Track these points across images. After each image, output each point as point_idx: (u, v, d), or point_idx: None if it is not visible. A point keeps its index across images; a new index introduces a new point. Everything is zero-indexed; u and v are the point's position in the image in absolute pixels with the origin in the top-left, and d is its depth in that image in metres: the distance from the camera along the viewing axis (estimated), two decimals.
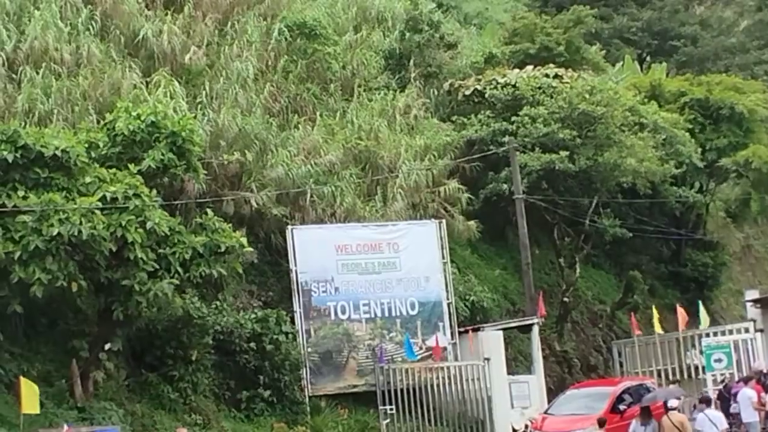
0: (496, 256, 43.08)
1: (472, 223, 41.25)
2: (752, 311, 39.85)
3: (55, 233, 27.01)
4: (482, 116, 42.73)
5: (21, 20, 35.50)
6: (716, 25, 62.21)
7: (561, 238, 44.33)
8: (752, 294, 41.24)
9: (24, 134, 28.81)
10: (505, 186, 41.20)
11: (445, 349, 36.98)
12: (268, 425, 32.46)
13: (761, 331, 38.23)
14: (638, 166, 42.03)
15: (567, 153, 40.56)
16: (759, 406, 27.51)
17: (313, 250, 36.18)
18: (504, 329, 38.59)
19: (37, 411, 27.49)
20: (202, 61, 38.71)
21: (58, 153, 28.78)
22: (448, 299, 37.81)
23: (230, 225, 31.78)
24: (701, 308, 41.98)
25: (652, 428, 24.96)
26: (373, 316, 36.71)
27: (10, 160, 27.97)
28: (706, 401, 28.11)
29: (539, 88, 43.06)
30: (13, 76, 33.92)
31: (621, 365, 41.45)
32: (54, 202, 27.62)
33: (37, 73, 33.92)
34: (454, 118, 43.38)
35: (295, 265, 35.74)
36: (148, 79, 36.25)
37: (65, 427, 26.93)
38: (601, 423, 26.83)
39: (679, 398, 30.40)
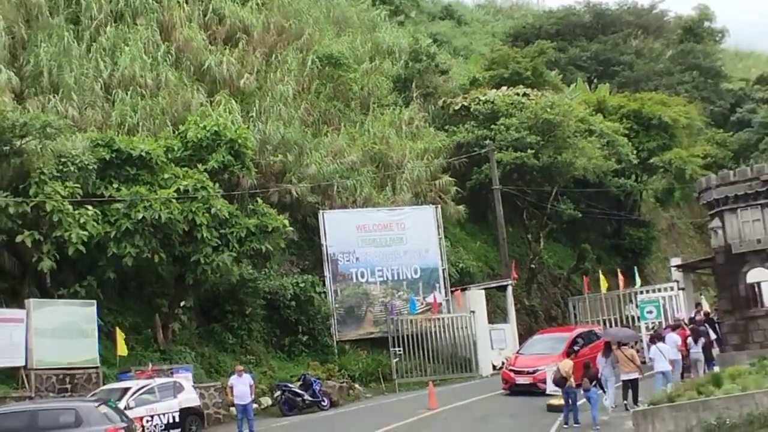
0: (479, 233, 43.03)
1: (460, 207, 41.19)
2: (676, 274, 39.82)
3: (140, 217, 27.20)
4: (468, 125, 42.58)
5: (114, 54, 35.43)
6: (648, 54, 61.97)
7: (529, 219, 44.35)
8: (676, 261, 41.16)
9: (117, 140, 29.35)
10: (485, 179, 41.09)
11: (440, 304, 37.01)
12: (305, 363, 32.53)
13: (682, 289, 38.20)
14: (587, 163, 42.04)
15: (533, 152, 40.52)
16: (682, 348, 27.35)
17: (339, 229, 36.25)
18: (485, 289, 38.63)
19: (126, 353, 27.53)
20: (253, 85, 38.66)
21: (143, 155, 29.25)
22: (442, 266, 37.82)
23: (275, 210, 31.99)
24: (636, 272, 42.21)
25: (611, 360, 24.93)
26: (385, 279, 36.72)
27: (107, 160, 28.47)
28: (658, 337, 27.93)
29: (512, 103, 42.91)
30: (109, 96, 34.00)
31: (575, 316, 41.42)
32: (140, 193, 27.81)
33: (127, 94, 33.97)
34: (446, 127, 43.36)
35: (326, 241, 35.87)
36: (211, 99, 36.38)
37: (150, 365, 26.97)
38: (568, 355, 26.91)
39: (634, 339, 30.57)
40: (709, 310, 36.35)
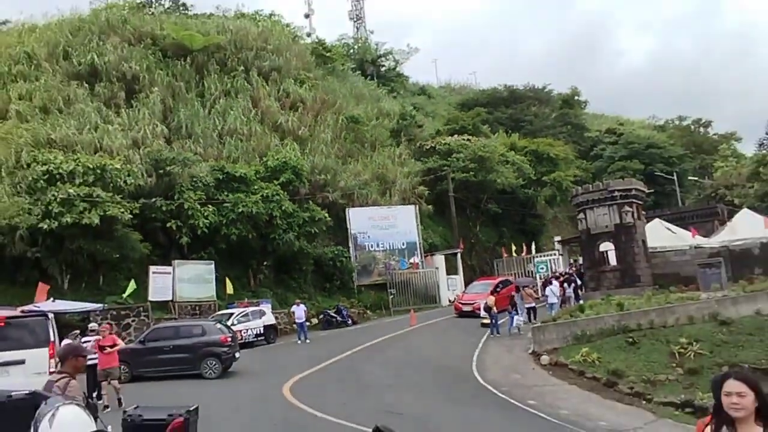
0: (441, 222, 42.86)
1: (429, 206, 41.09)
2: (557, 246, 40.03)
3: (240, 211, 27.49)
4: (434, 158, 42.45)
5: (225, 114, 35.51)
6: (541, 116, 61.73)
7: (470, 213, 44.16)
8: (557, 238, 41.36)
9: (227, 167, 29.64)
10: (444, 189, 41.10)
11: (418, 264, 37.11)
12: (337, 298, 32.62)
13: (562, 255, 38.40)
14: (505, 180, 42.05)
15: (472, 174, 40.48)
16: (561, 289, 27.39)
17: (358, 219, 36.32)
18: (444, 254, 38.64)
19: (231, 292, 27.69)
20: (306, 134, 38.57)
21: (242, 175, 29.59)
22: (419, 241, 37.75)
23: (319, 208, 32.27)
24: (534, 245, 42.09)
25: (520, 295, 25.23)
26: (385, 249, 36.72)
27: (220, 178, 28.86)
28: (547, 282, 28.13)
29: (460, 144, 42.78)
30: (221, 140, 34.08)
31: (497, 271, 41.22)
32: (239, 198, 27.92)
33: (231, 139, 34.16)
34: (421, 158, 43.19)
35: (350, 226, 35.93)
36: (282, 142, 36.42)
37: (246, 300, 27.21)
38: (493, 293, 27.10)
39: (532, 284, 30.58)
40: (576, 267, 36.56)
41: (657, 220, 35.24)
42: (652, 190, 42.43)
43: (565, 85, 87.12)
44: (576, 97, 68.68)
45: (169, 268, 26.26)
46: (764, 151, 45.69)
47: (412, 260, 37.11)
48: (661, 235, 32.45)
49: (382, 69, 66.74)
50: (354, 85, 52.31)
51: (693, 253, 30.12)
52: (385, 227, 36.93)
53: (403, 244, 37.19)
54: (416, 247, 37.60)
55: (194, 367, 17.31)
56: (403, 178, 40.61)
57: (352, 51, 66.40)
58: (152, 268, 25.68)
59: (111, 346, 14.07)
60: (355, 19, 76.36)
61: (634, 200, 29.69)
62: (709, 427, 3.56)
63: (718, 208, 40.55)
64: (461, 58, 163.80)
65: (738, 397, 3.50)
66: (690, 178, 55.75)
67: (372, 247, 36.59)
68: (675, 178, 51.92)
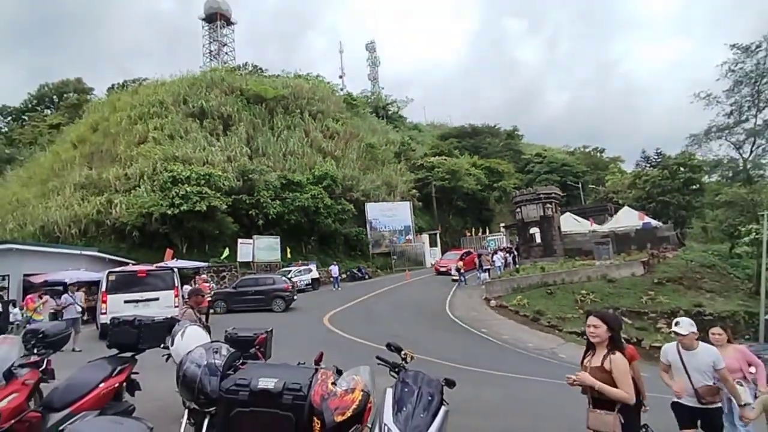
0: (427, 213, 42.45)
1: (419, 203, 40.68)
2: (503, 230, 39.55)
3: (297, 204, 27.07)
4: (423, 171, 42.08)
5: (287, 141, 35.25)
6: (493, 144, 60.38)
7: (446, 207, 43.62)
8: (503, 224, 40.84)
9: (288, 175, 29.04)
10: (430, 191, 40.72)
11: (411, 240, 36.79)
12: (360, 262, 32.32)
13: (505, 235, 37.93)
14: (469, 186, 41.80)
15: (447, 182, 40.12)
16: (504, 256, 26.94)
17: (373, 210, 35.77)
18: (428, 234, 38.27)
19: (289, 257, 27.42)
20: (340, 154, 38.02)
21: (297, 181, 28.87)
22: (412, 225, 37.22)
23: (348, 202, 31.85)
24: (487, 229, 41.65)
25: (482, 261, 24.15)
26: (390, 230, 36.22)
27: (284, 183, 28.31)
28: (496, 252, 27.42)
29: (440, 162, 42.46)
30: (285, 158, 33.54)
31: (463, 245, 40.59)
32: (296, 196, 27.52)
33: (291, 157, 33.76)
34: (414, 171, 42.76)
35: (368, 215, 35.39)
36: (324, 159, 35.79)
37: (299, 262, 27.03)
38: (461, 260, 26.81)
39: (487, 253, 30.17)
40: (514, 244, 36.09)
41: (568, 213, 34.71)
42: (565, 194, 41.67)
43: (509, 124, 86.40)
44: (516, 132, 67.65)
45: (250, 240, 26.18)
46: (639, 169, 44.81)
47: (407, 237, 36.92)
48: (570, 223, 32.14)
49: (389, 112, 66.33)
50: (371, 123, 51.79)
51: (590, 235, 29.84)
52: (390, 216, 36.48)
53: (402, 227, 36.75)
54: (410, 229, 37.24)
55: (268, 304, 17.28)
56: (402, 184, 40.15)
57: (369, 100, 66.46)
58: (239, 240, 25.66)
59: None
60: (372, 80, 77.27)
61: (553, 200, 29.27)
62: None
63: (608, 206, 39.88)
64: (441, 105, 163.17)
65: (593, 328, 3.48)
66: (590, 186, 54.95)
67: (381, 228, 36.16)
68: (580, 186, 51.41)
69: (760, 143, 29.37)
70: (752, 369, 4.81)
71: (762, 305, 17.91)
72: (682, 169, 30.71)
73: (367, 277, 29.33)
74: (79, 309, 11.48)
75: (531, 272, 21.75)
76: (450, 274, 26.21)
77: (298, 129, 37.65)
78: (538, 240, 30.26)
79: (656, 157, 47.21)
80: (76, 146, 32.79)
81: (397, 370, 3.43)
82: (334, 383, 3.15)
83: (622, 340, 3.61)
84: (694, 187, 30.30)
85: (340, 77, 74.04)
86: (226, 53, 66.52)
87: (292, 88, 41.94)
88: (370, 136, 45.28)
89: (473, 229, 41.31)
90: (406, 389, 3.11)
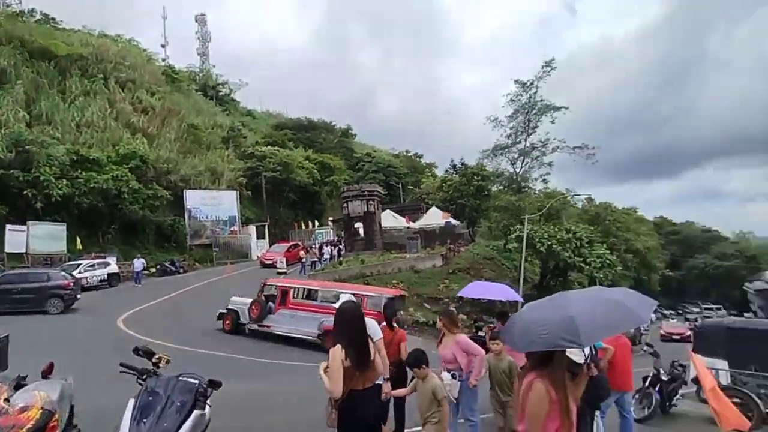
0: (256, 204, 40.49)
1: (248, 192, 38.67)
2: (331, 223, 40.40)
3: (91, 186, 23.08)
4: (254, 160, 39.74)
5: (84, 110, 29.48)
6: (328, 140, 61.26)
7: (276, 199, 42.18)
8: (331, 218, 41.54)
9: (82, 150, 24.50)
10: (260, 181, 38.99)
11: (236, 231, 34.92)
12: (174, 254, 29.35)
13: (332, 229, 38.75)
14: (301, 179, 41.24)
15: (279, 173, 38.84)
16: (330, 252, 27.71)
17: (193, 197, 32.67)
18: (256, 226, 36.53)
19: (82, 248, 23.38)
20: (154, 132, 33.62)
21: (94, 158, 24.66)
22: (238, 216, 35.32)
23: (163, 188, 28.60)
24: (317, 222, 41.85)
25: (310, 254, 24.81)
26: (213, 220, 33.63)
27: (75, 159, 23.86)
28: (324, 245, 28.38)
29: (272, 153, 40.76)
30: (79, 130, 28.19)
31: (293, 238, 38.15)
32: (92, 176, 23.50)
33: (88, 129, 28.54)
34: (245, 160, 39.84)
35: (186, 203, 32.16)
36: (133, 136, 31.24)
37: (93, 254, 23.25)
38: (288, 252, 26.36)
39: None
40: (340, 237, 37.47)
41: (388, 210, 37.13)
42: (387, 193, 44.65)
43: (345, 122, 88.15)
44: (350, 131, 70.23)
45: (23, 227, 21.20)
46: (446, 175, 50.91)
47: (232, 228, 34.87)
48: (389, 220, 34.93)
49: (220, 93, 60.89)
50: (196, 101, 46.79)
51: (405, 231, 33.19)
52: (214, 205, 33.92)
53: (227, 217, 34.62)
54: (236, 220, 35.30)
55: (40, 305, 14.31)
56: (229, 172, 37.62)
57: (197, 77, 60.21)
58: (8, 227, 20.68)
59: None
60: (201, 55, 70.27)
61: (375, 197, 31.24)
62: None
63: (421, 206, 44.37)
64: (279, 96, 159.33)
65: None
66: (409, 186, 60.51)
67: (203, 218, 33.33)
68: (400, 186, 56.01)
69: (527, 161, 38.13)
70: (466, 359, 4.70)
71: (521, 289, 22.78)
72: (476, 177, 36.78)
73: (181, 270, 26.75)
74: None
75: (352, 264, 23.23)
76: (276, 267, 25.78)
77: (99, 97, 31.83)
78: (362, 234, 32.30)
79: (460, 165, 54.99)
80: None
81: (145, 377, 3.27)
82: (7, 399, 2.83)
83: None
84: (485, 193, 36.73)
85: (163, 46, 64.87)
86: None
87: (94, 47, 35.26)
88: (193, 116, 41.09)
89: (303, 222, 41.36)
90: (151, 397, 2.99)
